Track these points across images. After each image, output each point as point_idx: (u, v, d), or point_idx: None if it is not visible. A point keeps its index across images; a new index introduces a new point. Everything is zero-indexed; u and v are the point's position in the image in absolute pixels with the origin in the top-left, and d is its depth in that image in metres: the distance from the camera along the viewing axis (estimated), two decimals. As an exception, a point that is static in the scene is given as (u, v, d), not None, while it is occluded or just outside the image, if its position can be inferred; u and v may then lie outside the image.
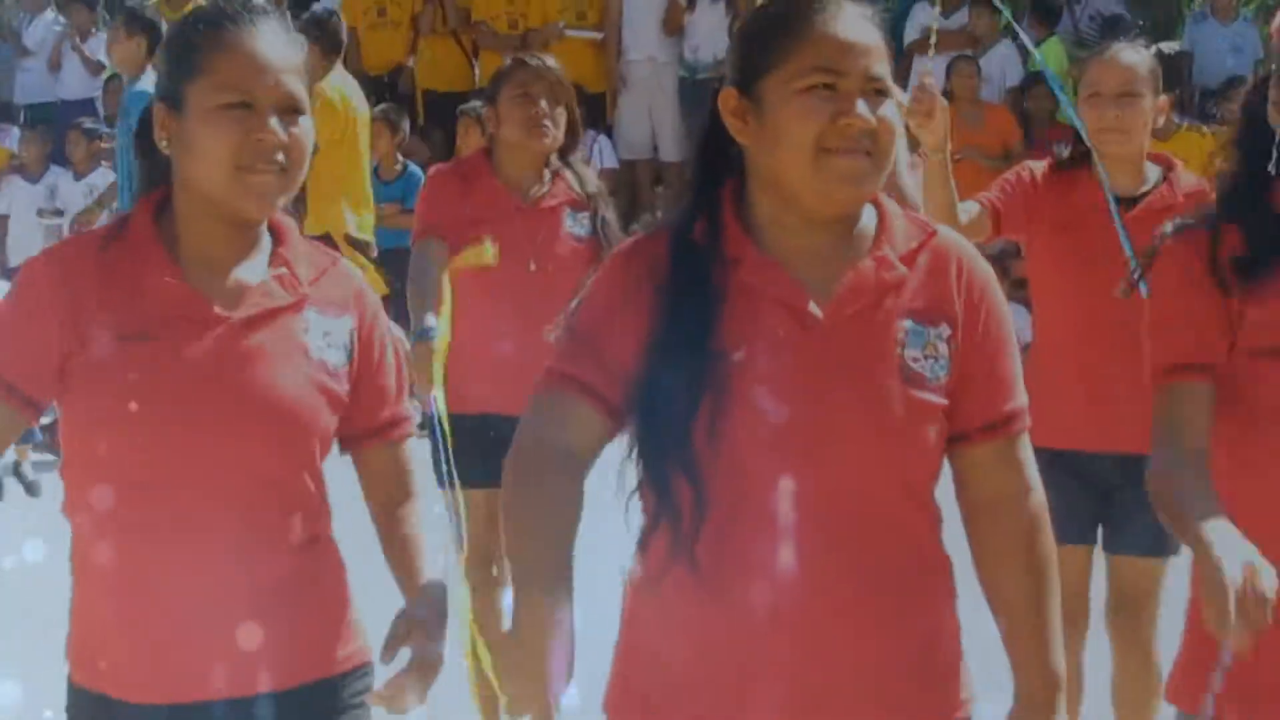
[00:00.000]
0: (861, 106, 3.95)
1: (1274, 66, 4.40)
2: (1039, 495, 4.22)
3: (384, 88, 20.35)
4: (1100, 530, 7.66)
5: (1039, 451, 4.23)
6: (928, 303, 4.09)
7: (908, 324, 4.05)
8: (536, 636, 3.70)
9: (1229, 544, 3.88)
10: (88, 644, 4.46)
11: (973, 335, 4.11)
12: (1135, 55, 7.59)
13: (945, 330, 4.08)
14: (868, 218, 4.10)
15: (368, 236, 16.32)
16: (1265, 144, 4.31)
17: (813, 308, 3.99)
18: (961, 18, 20.21)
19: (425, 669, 4.33)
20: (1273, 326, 4.22)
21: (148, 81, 13.87)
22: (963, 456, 4.16)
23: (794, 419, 3.97)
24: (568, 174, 8.64)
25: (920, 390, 4.04)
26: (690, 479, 3.92)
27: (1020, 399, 4.18)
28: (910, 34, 20.03)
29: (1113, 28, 16.43)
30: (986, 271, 4.20)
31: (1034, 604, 4.18)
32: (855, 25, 4.02)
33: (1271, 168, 4.28)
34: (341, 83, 16.74)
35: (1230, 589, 3.75)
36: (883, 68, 4.03)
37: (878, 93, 4.00)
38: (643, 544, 4.08)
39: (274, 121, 4.28)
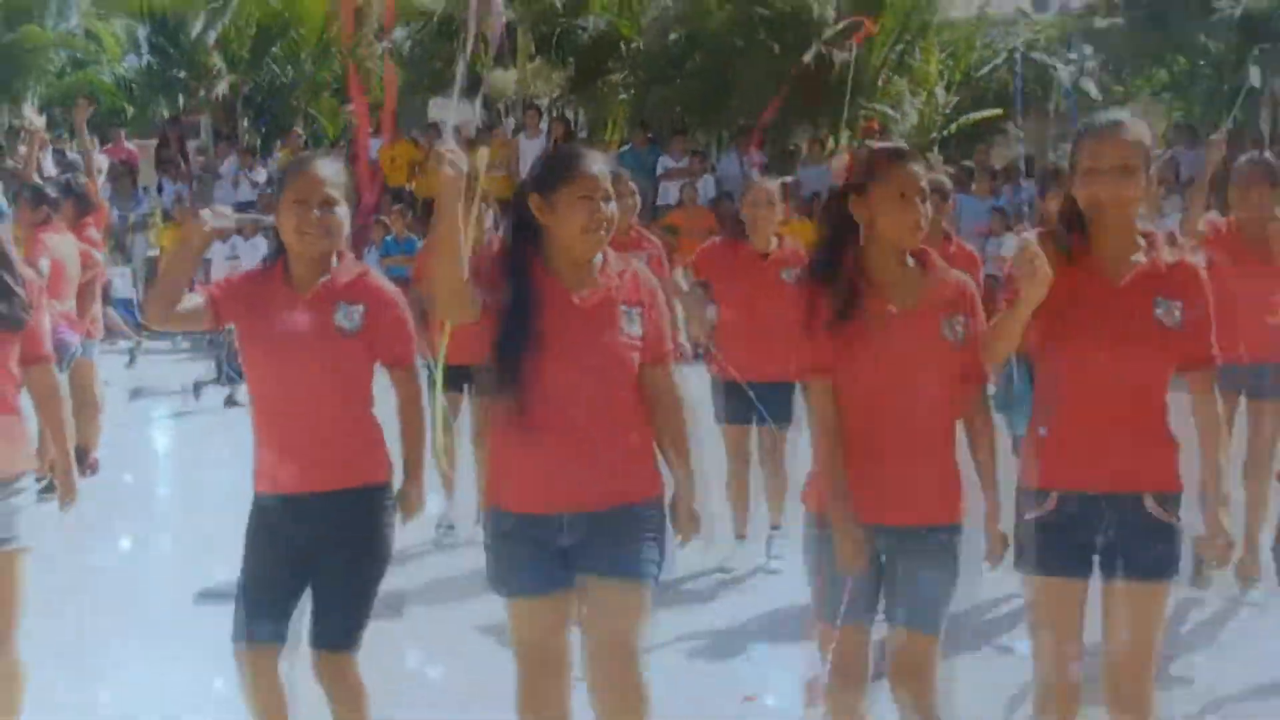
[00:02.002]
0: (603, 206, 4.14)
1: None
2: (682, 391, 4.40)
3: (397, 194, 20.17)
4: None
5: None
6: (629, 297, 4.24)
7: (623, 307, 4.21)
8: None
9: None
10: (259, 461, 4.53)
11: (650, 312, 4.26)
12: (770, 183, 7.59)
13: (639, 310, 4.24)
14: (598, 257, 4.22)
15: None
16: (846, 231, 4.22)
17: (576, 300, 4.15)
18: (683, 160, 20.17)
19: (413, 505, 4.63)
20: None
21: None
22: (647, 373, 4.25)
23: (570, 353, 4.11)
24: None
25: (629, 339, 4.20)
26: (521, 384, 4.09)
27: (668, 346, 4.36)
28: (660, 170, 19.97)
29: (761, 170, 16.46)
30: (654, 280, 4.41)
31: (680, 442, 4.34)
32: (601, 166, 4.21)
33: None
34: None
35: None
36: (609, 185, 4.19)
37: (608, 198, 4.14)
38: (497, 416, 4.24)
39: (315, 212, 4.39)
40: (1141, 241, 4.13)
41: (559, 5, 24.37)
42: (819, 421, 4.18)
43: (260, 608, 4.46)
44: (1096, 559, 4.11)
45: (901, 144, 4.51)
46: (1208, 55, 21.70)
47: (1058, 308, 3.92)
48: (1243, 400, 7.06)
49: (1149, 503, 4.04)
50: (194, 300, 4.44)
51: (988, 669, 5.90)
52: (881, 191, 4.12)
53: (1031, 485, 4.13)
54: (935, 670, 4.24)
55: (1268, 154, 7.94)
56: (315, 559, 4.44)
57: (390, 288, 4.60)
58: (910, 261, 4.21)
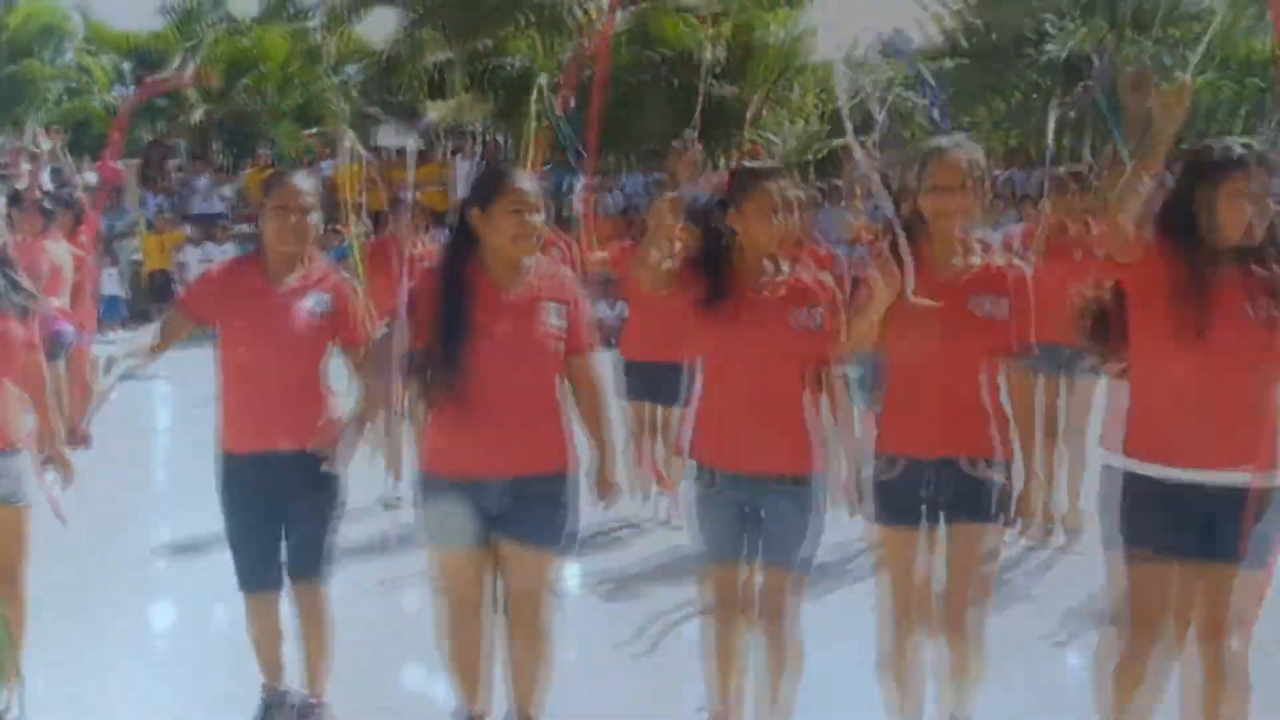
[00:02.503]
0: (532, 217, 4.11)
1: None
2: (601, 377, 4.37)
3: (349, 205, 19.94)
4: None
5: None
6: (554, 294, 4.20)
7: (549, 304, 4.18)
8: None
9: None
10: (230, 424, 4.53)
11: (573, 309, 4.22)
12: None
13: (565, 307, 4.20)
14: (529, 261, 4.18)
15: None
16: (722, 235, 4.23)
17: (507, 298, 4.13)
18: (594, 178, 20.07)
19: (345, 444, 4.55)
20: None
21: None
22: (571, 361, 4.24)
23: (501, 342, 4.09)
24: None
25: (552, 331, 4.17)
26: (459, 373, 4.06)
27: (588, 338, 4.29)
28: (575, 192, 19.89)
29: (659, 186, 16.33)
30: (578, 283, 4.36)
31: (599, 421, 4.35)
32: (529, 183, 4.16)
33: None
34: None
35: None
36: (539, 200, 4.16)
37: (536, 210, 4.11)
38: (434, 403, 4.17)
39: (293, 217, 4.46)
40: (977, 246, 4.17)
41: (488, 45, 24.42)
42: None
43: (254, 559, 4.55)
44: (931, 511, 4.17)
45: (767, 164, 4.55)
46: (1038, 90, 21.93)
47: (902, 302, 3.95)
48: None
49: (968, 465, 4.10)
50: (177, 323, 4.57)
51: (846, 605, 5.95)
52: (751, 205, 4.15)
53: (876, 450, 4.18)
54: (797, 602, 4.25)
55: (1080, 167, 8.06)
56: (285, 506, 4.49)
57: (351, 283, 4.66)
58: (773, 263, 4.24)
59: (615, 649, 5.60)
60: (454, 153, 21.86)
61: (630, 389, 7.64)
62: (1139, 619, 3.89)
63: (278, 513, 4.50)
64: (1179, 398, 3.79)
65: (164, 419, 11.51)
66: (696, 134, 6.43)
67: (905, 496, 4.13)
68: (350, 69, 26.93)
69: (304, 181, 4.53)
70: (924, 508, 4.15)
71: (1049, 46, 21.29)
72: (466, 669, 4.36)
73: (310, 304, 4.50)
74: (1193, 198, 3.78)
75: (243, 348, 4.49)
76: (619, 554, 7.16)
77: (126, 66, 28.48)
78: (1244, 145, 3.85)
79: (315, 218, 4.51)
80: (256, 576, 4.56)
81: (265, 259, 4.55)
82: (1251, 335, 3.76)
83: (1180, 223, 3.79)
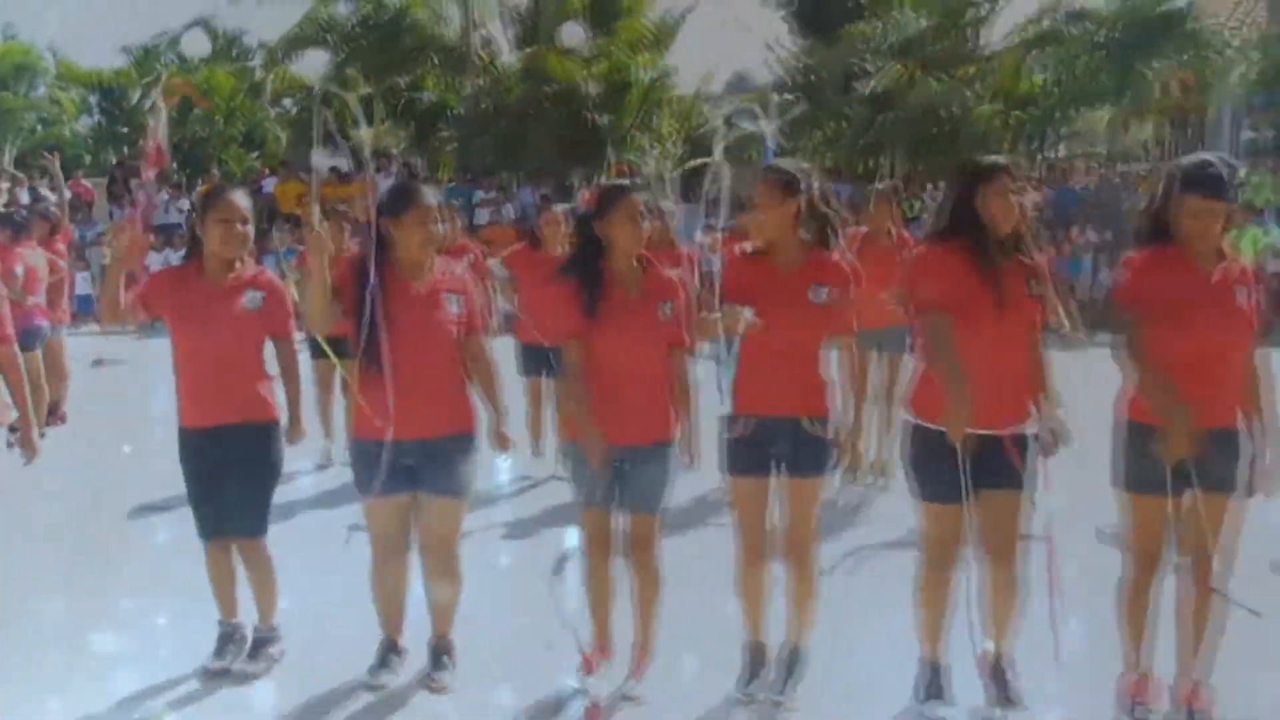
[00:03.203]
0: (434, 227, 4.12)
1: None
2: (491, 353, 4.29)
3: (289, 217, 19.60)
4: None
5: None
6: (453, 288, 4.17)
7: (449, 295, 4.16)
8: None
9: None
10: (183, 404, 4.37)
11: (467, 298, 4.20)
12: (559, 209, 7.52)
13: (461, 297, 4.17)
14: (429, 261, 4.15)
15: None
16: (593, 242, 4.15)
17: (414, 291, 4.09)
18: (492, 193, 19.82)
19: (296, 436, 4.50)
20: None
21: None
22: (467, 341, 4.19)
23: (410, 327, 4.05)
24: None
25: (451, 317, 4.13)
26: (380, 346, 3.98)
27: (481, 322, 4.23)
28: (475, 199, 19.64)
29: (546, 200, 16.12)
30: (470, 278, 4.27)
31: (492, 388, 4.28)
32: (433, 198, 4.15)
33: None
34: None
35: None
36: (439, 211, 4.14)
37: (438, 221, 4.12)
38: (363, 372, 4.08)
39: (236, 227, 4.30)
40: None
41: (403, 83, 24.20)
42: (570, 370, 4.14)
43: (208, 515, 4.44)
44: (776, 464, 4.13)
45: (626, 181, 4.55)
46: (850, 121, 22.21)
47: (748, 293, 3.97)
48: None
49: (806, 424, 4.07)
50: (128, 301, 4.33)
51: (704, 543, 5.97)
52: (615, 215, 4.08)
53: (732, 412, 4.14)
54: (657, 541, 4.24)
55: (890, 182, 8.18)
56: (230, 472, 4.35)
57: (279, 282, 4.52)
58: (636, 264, 4.18)
59: (518, 584, 5.56)
60: (376, 171, 21.55)
61: (525, 367, 7.62)
62: (927, 545, 3.98)
63: (223, 478, 4.37)
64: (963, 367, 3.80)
65: (131, 399, 11.17)
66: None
67: (757, 450, 4.07)
68: (287, 102, 26.50)
69: (241, 198, 4.39)
70: (772, 462, 4.10)
71: (858, 85, 21.56)
72: (390, 602, 4.30)
73: (245, 300, 4.35)
74: (965, 199, 3.83)
75: (190, 339, 4.34)
76: (516, 501, 7.12)
77: (93, 99, 27.72)
78: (999, 157, 3.95)
79: (249, 228, 4.37)
80: (210, 528, 4.45)
81: (205, 264, 4.37)
82: (1026, 311, 3.83)
83: (956, 220, 3.84)
